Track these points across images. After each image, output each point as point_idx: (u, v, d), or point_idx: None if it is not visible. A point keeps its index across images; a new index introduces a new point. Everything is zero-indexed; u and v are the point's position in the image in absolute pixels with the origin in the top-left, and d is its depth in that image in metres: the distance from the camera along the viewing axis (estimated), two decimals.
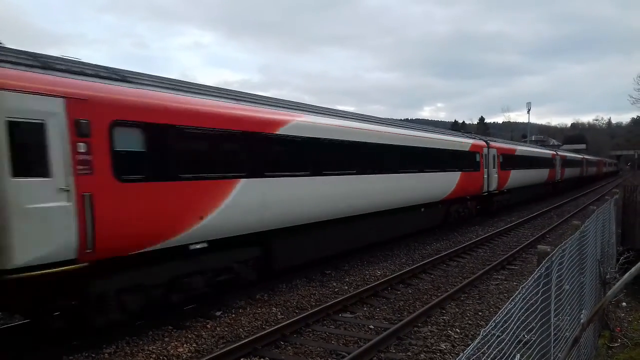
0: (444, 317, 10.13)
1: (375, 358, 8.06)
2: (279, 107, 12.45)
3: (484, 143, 25.98)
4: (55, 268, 7.17)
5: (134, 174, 8.35)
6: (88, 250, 7.59)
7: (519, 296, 3.75)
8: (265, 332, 8.76)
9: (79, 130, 7.50)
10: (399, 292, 12.08)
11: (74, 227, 7.38)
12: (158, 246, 8.83)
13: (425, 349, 8.40)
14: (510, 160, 29.23)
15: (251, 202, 10.62)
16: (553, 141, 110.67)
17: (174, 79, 10.67)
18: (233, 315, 10.12)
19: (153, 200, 8.62)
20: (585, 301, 6.69)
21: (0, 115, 6.74)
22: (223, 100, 10.69)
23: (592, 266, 7.51)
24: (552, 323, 4.68)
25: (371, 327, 9.58)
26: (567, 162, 49.39)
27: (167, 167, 8.98)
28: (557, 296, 4.92)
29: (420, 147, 18.56)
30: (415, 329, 9.42)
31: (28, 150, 7.06)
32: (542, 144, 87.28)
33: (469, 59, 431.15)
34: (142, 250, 8.58)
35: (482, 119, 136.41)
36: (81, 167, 7.52)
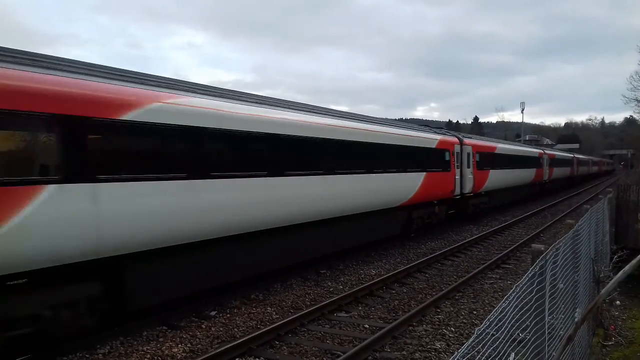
0: (439, 316, 10.15)
1: (370, 357, 8.06)
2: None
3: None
4: None
5: None
6: None
7: (513, 295, 3.76)
8: (260, 331, 8.75)
9: None
10: (393, 292, 12.09)
11: None
12: None
13: (420, 348, 8.41)
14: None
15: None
16: (547, 140, 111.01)
17: None
18: (228, 315, 10.10)
19: None
20: (579, 300, 6.71)
21: None
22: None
23: (586, 265, 7.53)
24: (547, 322, 4.69)
25: (366, 326, 9.59)
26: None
27: None
28: (552, 295, 4.93)
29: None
30: (410, 328, 9.43)
31: None
32: (536, 143, 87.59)
33: (461, 59, 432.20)
34: None
35: (476, 119, 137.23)
36: None
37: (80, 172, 7.49)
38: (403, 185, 17.47)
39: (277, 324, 9.12)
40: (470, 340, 2.98)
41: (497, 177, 27.41)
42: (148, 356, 8.03)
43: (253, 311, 10.39)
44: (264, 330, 8.83)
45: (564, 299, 5.69)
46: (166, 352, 8.21)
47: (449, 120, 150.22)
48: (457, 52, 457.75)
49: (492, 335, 3.28)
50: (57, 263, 7.30)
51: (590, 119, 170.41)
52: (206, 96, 10.22)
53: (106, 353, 8.17)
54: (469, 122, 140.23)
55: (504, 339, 3.44)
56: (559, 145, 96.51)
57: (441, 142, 20.91)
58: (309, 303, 11.02)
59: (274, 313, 10.34)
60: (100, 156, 7.94)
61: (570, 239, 6.10)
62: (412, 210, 18.82)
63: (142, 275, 8.78)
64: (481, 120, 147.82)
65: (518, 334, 4.02)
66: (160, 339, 8.78)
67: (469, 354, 2.89)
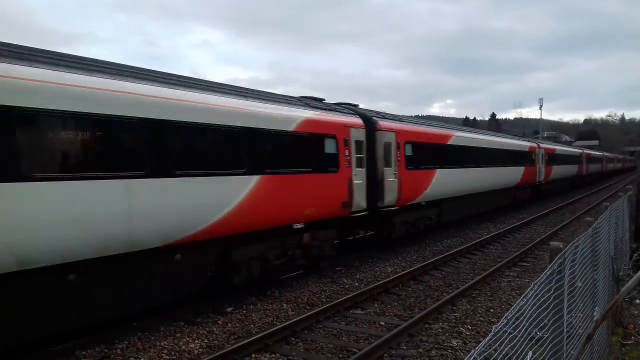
0: (455, 314, 10.10)
1: (386, 355, 8.05)
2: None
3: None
4: None
5: None
6: None
7: (531, 293, 3.73)
8: (276, 328, 8.78)
9: None
10: (409, 289, 12.05)
11: None
12: None
13: (436, 346, 8.37)
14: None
15: None
16: (565, 137, 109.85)
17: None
18: (244, 311, 10.15)
19: None
20: (598, 298, 6.63)
21: None
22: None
23: (605, 263, 7.44)
24: (565, 320, 4.64)
25: (382, 323, 9.57)
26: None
27: None
28: (570, 293, 4.88)
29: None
30: (426, 325, 9.39)
31: None
32: (554, 140, 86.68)
33: (478, 55, 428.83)
34: None
35: (493, 115, 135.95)
36: None
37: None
38: (514, 174, 22.04)
39: (293, 321, 9.15)
40: (488, 338, 2.96)
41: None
42: (165, 351, 8.10)
43: (269, 307, 10.43)
44: (280, 326, 8.86)
45: (583, 297, 5.63)
46: (183, 347, 8.28)
47: (466, 116, 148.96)
48: (473, 49, 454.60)
49: (510, 333, 3.26)
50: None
51: (609, 115, 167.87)
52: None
53: (124, 348, 8.26)
54: (486, 118, 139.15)
55: (521, 337, 3.41)
56: (578, 142, 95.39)
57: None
58: (324, 300, 11.04)
59: (290, 309, 10.37)
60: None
61: (589, 237, 6.03)
62: (516, 189, 24.53)
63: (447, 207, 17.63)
64: (499, 116, 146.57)
65: (536, 333, 3.99)
66: (178, 335, 8.85)
67: (485, 352, 2.87)
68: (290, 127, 11.91)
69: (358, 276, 13.18)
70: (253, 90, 12.14)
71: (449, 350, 8.19)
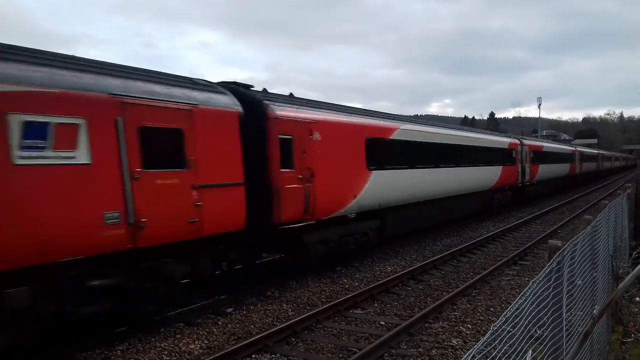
0: (455, 313, 10.11)
1: (386, 354, 8.05)
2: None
3: (518, 141, 29.91)
4: None
5: None
6: None
7: (529, 291, 3.73)
8: (276, 328, 8.78)
9: None
10: (409, 288, 12.06)
11: None
12: None
13: (436, 345, 8.38)
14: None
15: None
16: (564, 136, 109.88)
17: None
18: (244, 312, 10.15)
19: None
20: (598, 296, 6.64)
21: None
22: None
23: (604, 261, 7.44)
24: (564, 318, 4.65)
25: (382, 323, 9.58)
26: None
27: None
28: (569, 291, 4.89)
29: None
30: (426, 325, 9.40)
31: None
32: (554, 138, 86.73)
33: (475, 55, 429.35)
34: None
35: (492, 115, 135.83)
36: None
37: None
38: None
39: (293, 321, 9.15)
40: (486, 336, 2.96)
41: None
42: (166, 352, 8.11)
43: (269, 308, 10.43)
44: (280, 327, 8.86)
45: (582, 295, 5.63)
46: (183, 348, 8.28)
47: (465, 116, 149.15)
48: (470, 48, 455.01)
49: (509, 332, 3.26)
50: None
51: (608, 114, 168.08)
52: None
53: (124, 349, 8.26)
54: (485, 117, 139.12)
55: (520, 335, 3.42)
56: (577, 141, 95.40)
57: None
58: (324, 300, 11.04)
59: (290, 310, 10.37)
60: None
61: (588, 235, 6.03)
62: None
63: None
64: (497, 116, 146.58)
65: (535, 331, 3.99)
66: (178, 336, 8.86)
67: (484, 350, 2.87)
68: (505, 146, 27.90)
69: (358, 276, 13.18)
70: (420, 118, 22.96)
71: (449, 350, 8.19)
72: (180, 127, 9.13)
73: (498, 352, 3.06)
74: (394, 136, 16.23)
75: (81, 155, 7.53)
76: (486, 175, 24.24)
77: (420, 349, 8.23)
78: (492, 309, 10.29)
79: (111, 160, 7.92)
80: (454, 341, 8.56)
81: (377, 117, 16.38)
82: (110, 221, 7.80)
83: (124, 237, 7.99)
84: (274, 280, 12.15)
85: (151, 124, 8.56)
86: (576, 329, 5.24)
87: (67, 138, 7.36)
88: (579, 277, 5.35)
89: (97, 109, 7.79)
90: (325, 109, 13.76)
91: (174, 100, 9.08)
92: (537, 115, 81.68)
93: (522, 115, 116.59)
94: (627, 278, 4.32)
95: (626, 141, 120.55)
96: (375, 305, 10.78)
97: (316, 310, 9.80)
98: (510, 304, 3.47)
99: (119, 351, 8.19)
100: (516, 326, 3.41)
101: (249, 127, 10.71)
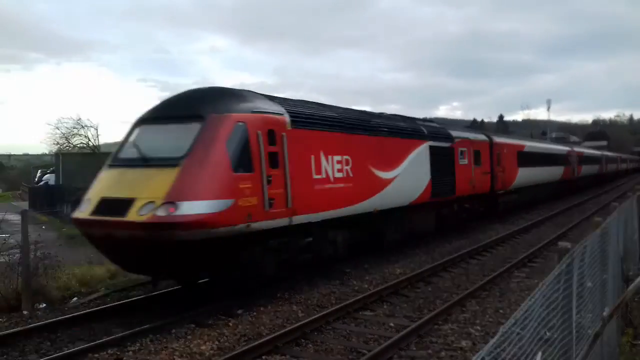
0: (465, 315, 10.11)
1: (395, 356, 8.08)
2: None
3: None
4: None
5: None
6: None
7: (539, 293, 3.76)
8: (286, 329, 8.84)
9: None
10: (419, 290, 12.08)
11: None
12: None
13: (445, 347, 8.40)
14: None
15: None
16: (574, 138, 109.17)
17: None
18: (254, 314, 10.21)
19: None
20: (608, 298, 6.64)
21: None
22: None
23: (614, 263, 7.44)
24: (574, 320, 4.66)
25: (391, 325, 9.61)
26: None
27: None
28: (579, 294, 4.90)
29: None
30: (435, 326, 9.42)
31: None
32: (563, 141, 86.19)
33: (482, 58, 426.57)
34: None
35: (501, 117, 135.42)
36: None
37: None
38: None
39: (302, 322, 9.20)
40: (495, 338, 2.98)
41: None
42: (177, 353, 8.18)
43: (279, 309, 10.49)
44: (290, 328, 8.92)
45: (592, 297, 5.64)
46: (194, 349, 8.35)
47: (474, 118, 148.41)
48: (478, 51, 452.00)
49: (518, 334, 3.29)
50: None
51: (618, 116, 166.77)
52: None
53: (136, 350, 8.35)
54: (494, 120, 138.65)
55: (530, 337, 3.45)
56: (587, 143, 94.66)
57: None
58: (334, 301, 11.08)
59: (300, 311, 10.42)
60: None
61: (598, 237, 6.04)
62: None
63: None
64: (506, 118, 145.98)
65: (545, 333, 4.01)
66: (189, 337, 8.93)
67: (493, 352, 2.90)
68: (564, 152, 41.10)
69: (367, 278, 13.22)
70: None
71: (459, 351, 8.21)
72: (479, 149, 22.44)
73: (507, 354, 3.09)
74: (525, 149, 29.93)
75: (474, 161, 21.67)
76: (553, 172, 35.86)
77: (429, 351, 8.26)
78: (501, 311, 10.29)
79: (473, 163, 21.69)
80: (463, 343, 8.58)
81: (519, 139, 34.10)
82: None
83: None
84: (284, 282, 12.21)
85: (475, 148, 22.13)
86: (586, 332, 5.25)
87: (471, 156, 21.37)
88: (588, 279, 5.36)
89: (483, 145, 23.47)
90: (504, 137, 29.45)
91: (478, 139, 23.09)
92: (546, 118, 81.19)
93: (530, 118, 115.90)
94: (638, 280, 4.33)
95: (636, 143, 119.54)
96: (385, 307, 10.81)
97: (326, 312, 9.85)
98: (520, 305, 3.50)
99: (130, 352, 8.27)
100: (525, 328, 3.44)
101: (491, 148, 24.10)
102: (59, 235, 20.90)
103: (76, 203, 10.93)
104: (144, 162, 9.95)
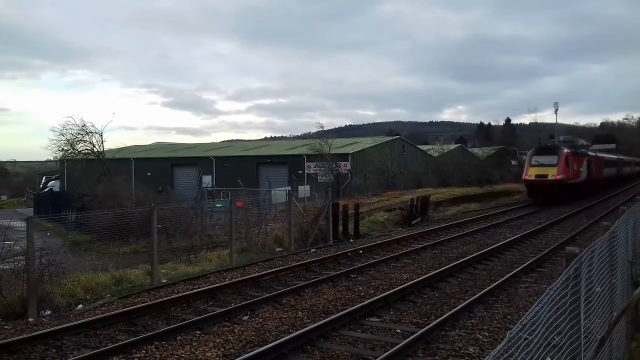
0: (472, 321, 10.02)
1: None
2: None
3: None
4: None
5: None
6: None
7: (546, 298, 3.70)
8: (292, 336, 8.78)
9: None
10: (425, 296, 11.99)
11: None
12: None
13: (453, 353, 8.32)
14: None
15: None
16: (582, 141, 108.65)
17: None
18: (260, 320, 10.17)
19: None
20: (616, 303, 6.56)
21: None
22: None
23: (623, 268, 7.35)
24: (582, 325, 4.60)
25: (398, 331, 9.54)
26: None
27: None
28: (587, 298, 4.83)
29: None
30: (442, 332, 9.33)
31: None
32: (571, 144, 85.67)
33: (487, 62, 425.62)
34: None
35: (508, 120, 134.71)
36: None
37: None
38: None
39: (308, 328, 9.14)
40: (502, 344, 2.94)
41: None
42: None
43: (284, 316, 10.44)
44: (295, 334, 8.86)
45: (601, 302, 5.57)
46: (200, 356, 8.31)
47: (480, 122, 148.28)
48: (482, 55, 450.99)
49: (526, 339, 3.24)
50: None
51: (626, 118, 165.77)
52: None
53: (142, 357, 8.31)
54: (501, 123, 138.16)
55: (538, 342, 3.39)
56: (595, 146, 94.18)
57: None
58: (340, 308, 11.01)
59: (306, 318, 10.37)
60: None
61: (606, 241, 5.97)
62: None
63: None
64: (513, 121, 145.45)
65: (553, 338, 3.95)
66: (194, 344, 8.89)
67: (501, 357, 2.85)
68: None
69: (373, 283, 13.14)
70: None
71: (466, 358, 8.13)
72: (589, 159, 41.05)
73: None
74: (605, 159, 43.29)
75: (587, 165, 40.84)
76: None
77: (436, 357, 8.18)
78: (509, 317, 10.19)
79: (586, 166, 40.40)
80: (471, 349, 8.49)
81: (602, 153, 49.99)
82: None
83: None
84: (290, 289, 12.16)
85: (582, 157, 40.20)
86: (594, 337, 5.18)
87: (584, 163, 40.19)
88: (597, 284, 5.29)
89: (583, 157, 40.02)
90: (592, 152, 45.33)
91: (583, 153, 41.57)
92: (553, 121, 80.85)
93: (538, 121, 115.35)
94: None
95: None
96: (392, 313, 10.73)
97: (332, 318, 9.78)
98: (528, 311, 3.44)
99: (136, 358, 8.24)
100: (533, 333, 3.39)
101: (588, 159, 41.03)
102: (63, 241, 20.92)
103: (81, 209, 10.98)
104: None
